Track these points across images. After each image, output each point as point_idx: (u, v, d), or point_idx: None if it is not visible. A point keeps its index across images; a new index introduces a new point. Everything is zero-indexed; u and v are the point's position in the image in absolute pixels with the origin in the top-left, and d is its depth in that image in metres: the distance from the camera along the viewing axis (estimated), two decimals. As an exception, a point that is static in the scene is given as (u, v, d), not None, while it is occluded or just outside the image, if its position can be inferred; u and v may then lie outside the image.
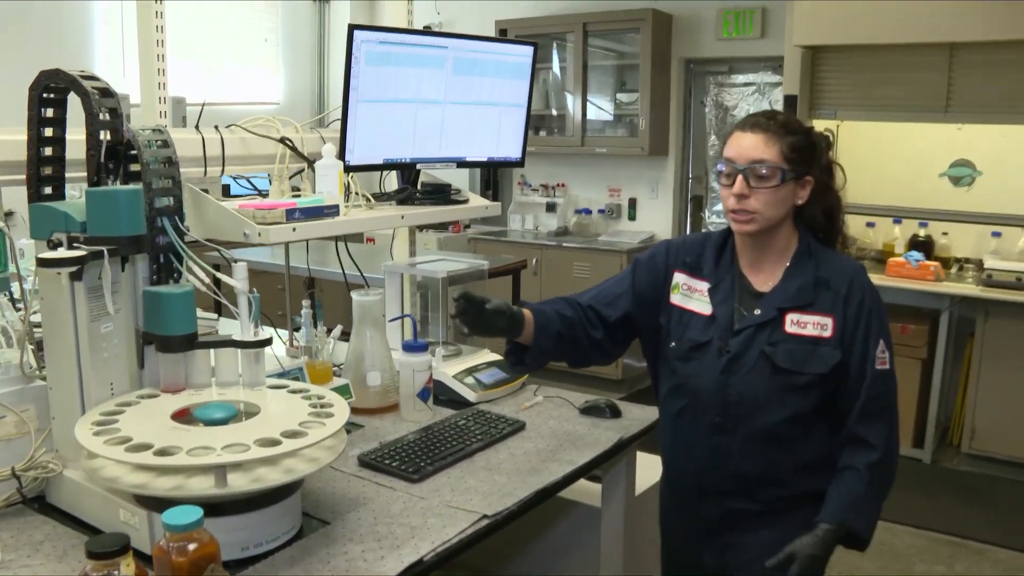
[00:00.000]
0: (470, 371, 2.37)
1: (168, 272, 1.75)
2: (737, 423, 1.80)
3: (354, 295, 2.19)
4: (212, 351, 1.76)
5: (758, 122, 1.79)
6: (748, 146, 1.77)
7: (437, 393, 2.29)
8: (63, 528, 1.63)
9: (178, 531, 1.26)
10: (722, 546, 1.90)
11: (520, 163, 2.70)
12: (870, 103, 4.93)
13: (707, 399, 1.82)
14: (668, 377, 1.92)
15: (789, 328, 1.78)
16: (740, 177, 1.76)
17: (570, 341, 1.94)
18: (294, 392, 1.75)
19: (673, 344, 1.89)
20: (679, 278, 1.92)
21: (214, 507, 1.47)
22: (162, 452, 1.44)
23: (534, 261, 5.73)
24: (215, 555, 1.29)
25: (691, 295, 1.89)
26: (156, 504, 1.47)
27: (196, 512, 1.29)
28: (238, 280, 1.72)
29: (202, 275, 1.74)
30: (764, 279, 1.84)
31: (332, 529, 1.64)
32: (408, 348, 2.15)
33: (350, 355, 2.22)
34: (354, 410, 2.04)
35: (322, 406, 1.65)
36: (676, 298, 1.91)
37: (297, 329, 2.28)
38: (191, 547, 1.27)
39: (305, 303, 2.24)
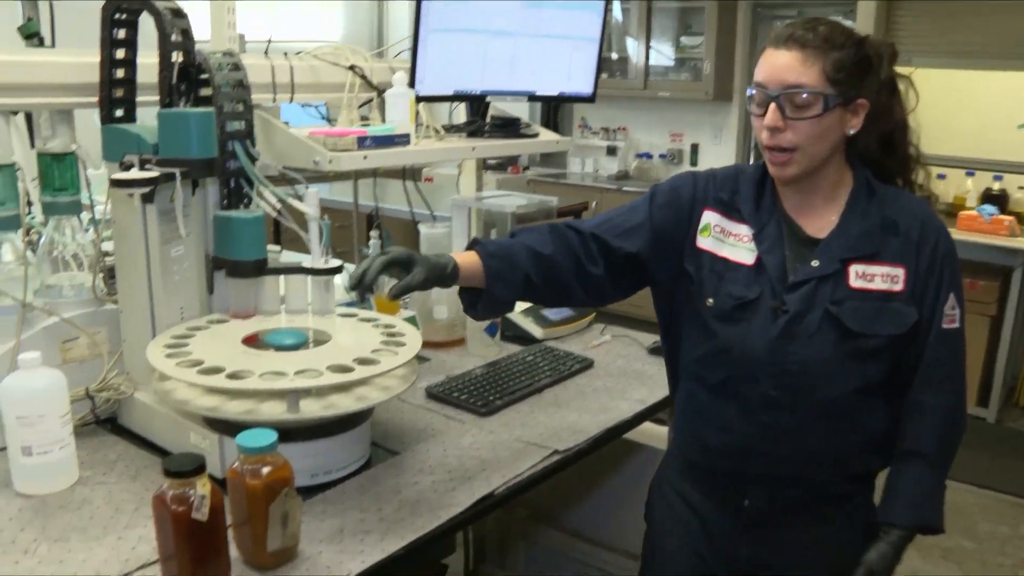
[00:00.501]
0: (537, 307, 2.32)
1: (238, 197, 1.71)
2: (795, 397, 1.46)
3: (422, 228, 2.14)
4: (281, 278, 1.73)
5: (795, 35, 1.41)
6: (782, 66, 1.41)
7: (503, 329, 2.25)
8: (135, 449, 1.62)
9: (253, 454, 1.24)
10: (761, 541, 1.56)
11: (591, 99, 2.61)
12: (948, 49, 4.74)
13: (759, 368, 1.47)
14: (700, 340, 1.55)
15: (854, 282, 1.45)
16: (773, 106, 1.41)
17: (546, 284, 1.54)
18: (364, 321, 1.72)
19: (711, 301, 1.51)
20: (710, 218, 1.55)
21: (284, 433, 1.44)
22: (234, 376, 1.41)
23: (594, 204, 5.64)
24: (289, 479, 1.26)
25: (724, 240, 1.52)
26: (226, 428, 1.45)
27: (270, 435, 1.26)
28: (309, 206, 1.67)
29: (273, 200, 1.71)
30: (816, 223, 1.50)
31: (401, 460, 1.61)
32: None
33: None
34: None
35: (392, 335, 1.61)
36: (705, 242, 1.54)
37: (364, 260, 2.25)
38: (265, 470, 1.24)
39: (373, 233, 2.19)
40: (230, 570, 1.24)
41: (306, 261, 1.70)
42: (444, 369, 2.02)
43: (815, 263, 1.46)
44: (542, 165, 6.40)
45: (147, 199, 1.56)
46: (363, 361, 1.47)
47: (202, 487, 1.16)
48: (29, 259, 1.66)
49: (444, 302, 2.15)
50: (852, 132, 1.45)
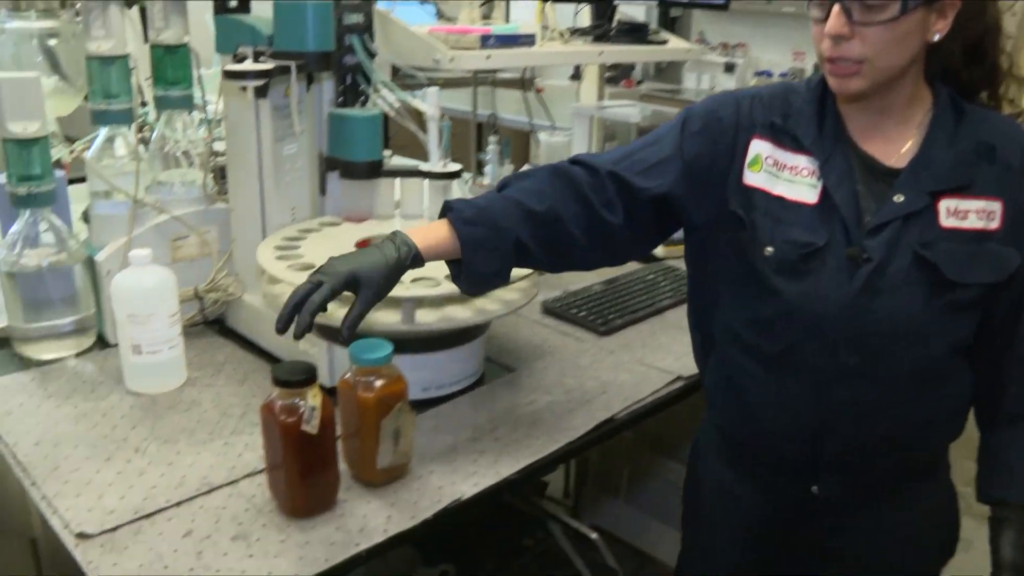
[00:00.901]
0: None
1: (355, 95, 1.61)
2: (879, 364, 1.18)
3: (542, 136, 2.01)
4: (397, 181, 1.63)
5: None
6: None
7: (622, 245, 2.10)
8: (242, 352, 1.56)
9: (366, 365, 1.15)
10: (831, 531, 1.30)
11: (724, 6, 2.42)
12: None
13: (834, 331, 1.17)
14: (752, 300, 1.24)
15: (945, 221, 1.16)
16: (837, 8, 1.10)
17: (546, 246, 1.23)
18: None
19: (770, 250, 1.20)
20: (760, 148, 1.24)
21: (397, 343, 1.36)
22: (347, 281, 1.33)
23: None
24: (403, 394, 1.18)
25: (779, 174, 1.22)
26: (336, 336, 1.37)
27: (386, 346, 1.17)
28: (429, 105, 1.56)
29: (391, 99, 1.60)
30: (890, 151, 1.20)
31: (517, 377, 1.51)
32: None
33: (534, 199, 2.05)
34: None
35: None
36: (756, 177, 1.23)
37: (482, 167, 2.13)
38: (378, 383, 1.16)
39: (492, 139, 2.07)
40: (339, 483, 1.17)
41: (423, 165, 1.60)
42: (561, 284, 1.91)
43: (899, 198, 1.16)
44: (656, 79, 6.14)
45: (260, 93, 1.47)
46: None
47: (312, 398, 1.09)
48: (141, 155, 1.59)
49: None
50: (936, 38, 1.14)
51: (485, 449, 1.29)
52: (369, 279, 1.12)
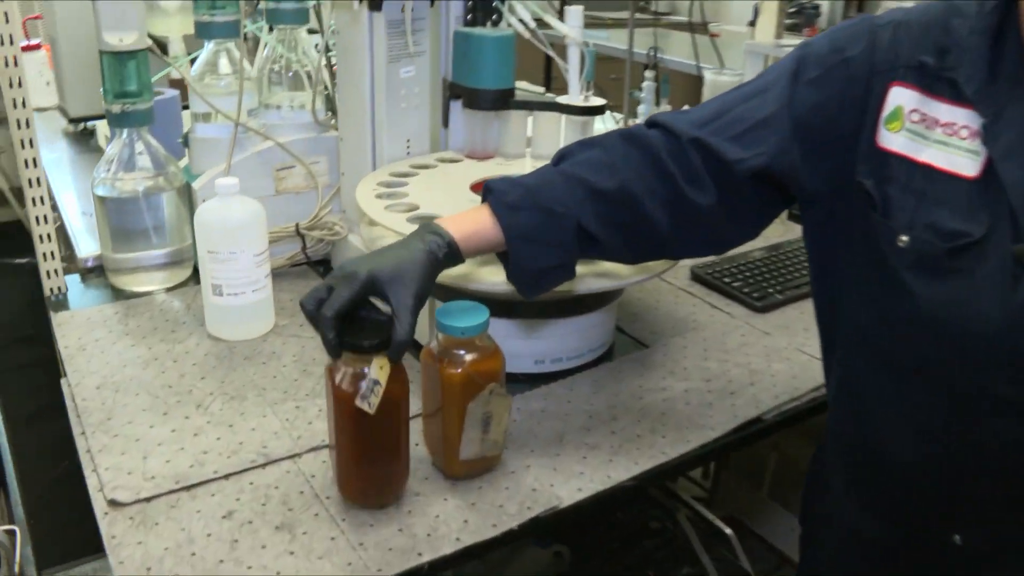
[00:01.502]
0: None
1: (486, 12, 1.36)
2: None
3: (707, 74, 1.71)
4: (530, 116, 1.38)
5: None
6: None
7: (792, 206, 1.79)
8: (342, 301, 1.36)
9: (454, 335, 0.92)
10: None
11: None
12: None
13: (986, 353, 0.85)
14: (881, 297, 0.92)
15: None
16: None
17: (617, 234, 0.97)
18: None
19: (905, 239, 0.87)
20: (902, 98, 0.88)
21: (507, 306, 1.12)
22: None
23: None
24: (498, 372, 0.94)
25: (927, 135, 0.87)
26: (443, 294, 1.15)
27: (480, 313, 0.93)
28: (571, 26, 1.30)
29: (527, 17, 1.34)
30: None
31: (650, 355, 1.25)
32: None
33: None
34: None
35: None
36: (894, 139, 0.88)
37: (637, 106, 1.84)
38: (468, 358, 0.92)
39: (648, 74, 1.78)
40: (406, 476, 0.95)
41: (561, 97, 1.34)
42: (714, 247, 1.62)
43: None
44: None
45: (374, 6, 1.25)
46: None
47: (379, 370, 0.86)
48: (248, 73, 1.40)
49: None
50: None
51: (598, 444, 1.04)
52: (395, 278, 0.88)
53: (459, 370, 0.92)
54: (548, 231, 0.94)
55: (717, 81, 1.69)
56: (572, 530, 1.85)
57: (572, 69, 1.31)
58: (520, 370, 1.16)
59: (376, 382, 0.86)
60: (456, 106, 1.37)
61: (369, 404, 0.85)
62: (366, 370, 0.87)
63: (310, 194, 1.43)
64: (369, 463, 0.91)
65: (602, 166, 0.96)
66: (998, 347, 0.83)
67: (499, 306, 1.10)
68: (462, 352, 0.92)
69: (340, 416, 0.89)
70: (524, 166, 1.34)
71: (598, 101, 1.31)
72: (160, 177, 1.36)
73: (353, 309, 0.87)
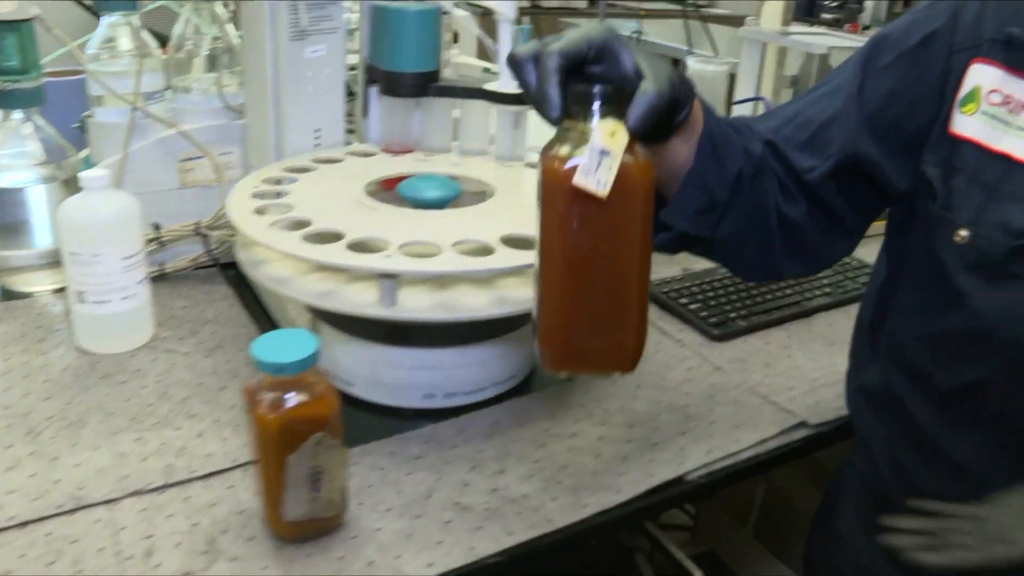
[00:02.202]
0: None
1: (413, -15, 1.18)
2: None
3: (691, 61, 1.49)
4: (458, 104, 1.19)
5: None
6: None
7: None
8: (238, 310, 1.19)
9: (269, 371, 0.74)
10: None
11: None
12: None
13: None
14: (932, 306, 0.82)
15: None
16: None
17: (749, 207, 0.83)
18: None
19: (964, 234, 0.76)
20: (982, 76, 0.76)
21: (391, 330, 0.94)
22: (322, 237, 0.92)
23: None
24: (327, 419, 0.76)
25: (1010, 120, 0.74)
26: (328, 316, 0.97)
27: (306, 344, 0.75)
28: (501, 1, 1.11)
29: (454, -8, 1.16)
30: None
31: (569, 391, 1.05)
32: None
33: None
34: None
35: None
36: (969, 123, 0.77)
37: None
38: (290, 400, 0.75)
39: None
40: (645, 327, 0.68)
41: (490, 84, 1.15)
42: (679, 259, 1.41)
43: None
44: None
45: (274, -27, 1.08)
46: (523, 240, 0.91)
47: (608, 137, 0.61)
48: (149, 50, 1.24)
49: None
50: None
51: (472, 504, 0.85)
52: (615, 44, 0.66)
53: (276, 416, 0.74)
54: (727, 159, 0.79)
55: (701, 71, 1.47)
56: None
57: (503, 51, 1.12)
58: (407, 404, 0.98)
59: (605, 152, 0.59)
60: (374, 92, 1.19)
61: (599, 182, 0.58)
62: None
63: (221, 188, 1.27)
64: (588, 293, 0.63)
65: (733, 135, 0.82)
66: None
67: (382, 330, 0.93)
68: (282, 394, 0.74)
69: (549, 214, 0.63)
70: (448, 160, 1.16)
71: (532, 90, 1.12)
72: (50, 166, 1.21)
73: (578, 66, 0.65)
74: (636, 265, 0.63)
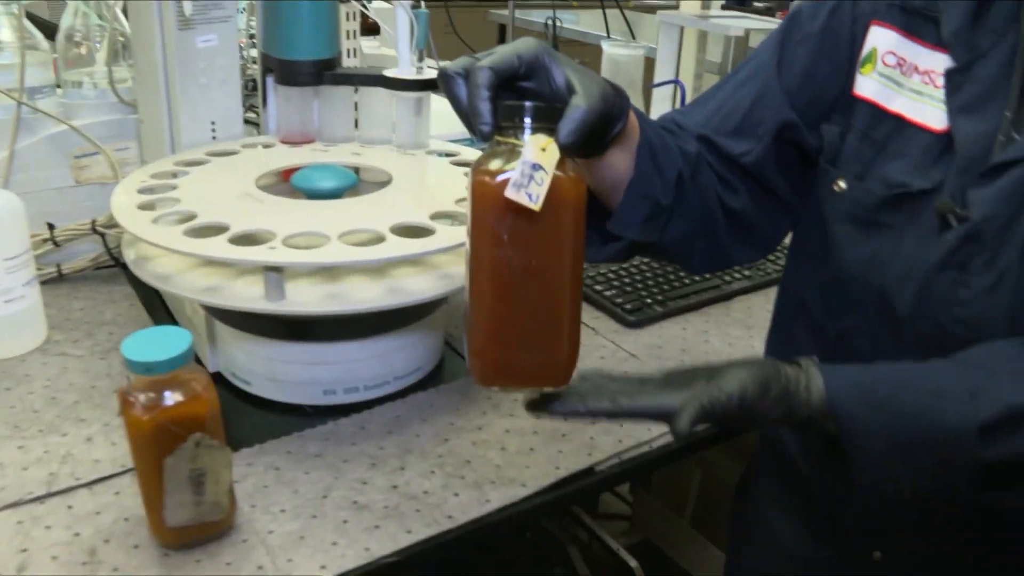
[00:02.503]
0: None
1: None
2: None
3: (605, 45, 1.47)
4: (357, 93, 1.15)
5: None
6: None
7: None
8: (139, 311, 1.14)
9: (139, 371, 0.70)
10: None
11: None
12: None
13: (903, 320, 0.76)
14: (812, 261, 0.86)
15: None
16: None
17: (693, 204, 0.82)
18: (466, 164, 1.12)
19: (842, 185, 0.80)
20: (879, 39, 0.79)
21: (289, 324, 0.90)
22: (209, 230, 0.87)
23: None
24: (202, 419, 0.72)
25: (903, 81, 0.77)
26: (222, 313, 0.93)
27: (179, 340, 0.71)
28: (398, -13, 1.07)
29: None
30: None
31: (476, 386, 1.02)
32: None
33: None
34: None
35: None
36: (867, 84, 0.80)
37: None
38: (165, 400, 0.70)
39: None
40: (577, 344, 0.66)
41: (389, 70, 1.11)
42: (599, 248, 1.39)
43: None
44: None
45: (160, -42, 1.03)
46: (421, 229, 0.88)
47: (539, 152, 0.59)
48: (36, 42, 1.18)
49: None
50: None
51: (370, 503, 0.81)
52: (546, 59, 0.65)
53: (151, 417, 0.70)
54: (665, 161, 0.78)
55: (615, 55, 1.45)
56: None
57: (401, 36, 1.08)
58: (307, 401, 0.94)
59: (537, 166, 0.58)
60: (271, 82, 1.15)
61: (531, 196, 0.57)
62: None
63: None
64: (519, 308, 0.62)
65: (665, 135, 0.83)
66: (915, 315, 0.74)
67: (276, 326, 0.89)
68: (155, 394, 0.70)
69: (479, 229, 0.61)
70: (347, 152, 1.12)
71: (431, 73, 1.09)
72: (-69, 165, 1.15)
73: (509, 81, 0.64)
74: (568, 280, 0.62)
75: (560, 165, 0.59)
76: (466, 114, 0.64)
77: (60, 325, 1.10)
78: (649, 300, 1.19)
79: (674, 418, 0.62)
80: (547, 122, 0.61)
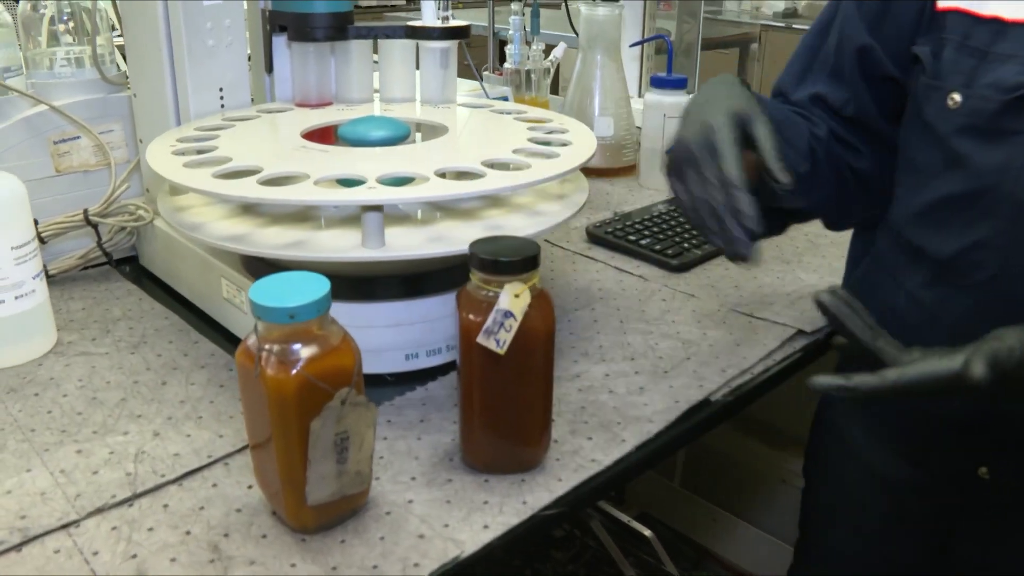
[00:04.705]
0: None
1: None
2: None
3: (582, 6, 1.42)
4: (377, 54, 1.06)
5: None
6: None
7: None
8: (150, 303, 1.01)
9: (278, 320, 0.59)
10: (996, 536, 0.88)
11: None
12: None
13: None
14: (928, 180, 0.80)
15: None
16: None
17: (831, 171, 0.87)
18: (501, 113, 1.04)
19: (957, 98, 0.75)
20: None
21: (361, 284, 0.80)
22: (275, 181, 0.77)
23: (753, 47, 4.70)
24: (349, 372, 0.62)
25: None
26: (262, 269, 0.82)
27: (316, 285, 0.61)
28: (415, -70, 0.99)
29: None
30: None
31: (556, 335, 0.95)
32: (659, 83, 1.37)
33: (572, 93, 1.46)
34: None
35: (549, 132, 0.93)
36: None
37: (505, 46, 1.53)
38: (304, 353, 0.60)
39: (515, 7, 1.48)
40: (547, 439, 0.73)
41: (413, 20, 1.02)
42: (609, 204, 1.33)
43: None
44: None
45: (156, -92, 0.91)
46: (499, 164, 0.80)
47: (512, 299, 0.64)
48: (4, 21, 1.03)
49: (610, 112, 1.43)
50: None
51: (504, 458, 0.73)
52: (752, 109, 0.74)
53: (291, 373, 0.59)
54: (793, 135, 0.83)
55: (592, 16, 1.40)
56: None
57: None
58: (385, 370, 0.84)
59: (508, 314, 0.63)
60: (280, 43, 1.04)
61: (498, 342, 0.63)
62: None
63: (103, 172, 1.07)
64: (494, 426, 0.69)
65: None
66: None
67: (348, 285, 0.78)
68: (294, 346, 0.60)
69: (466, 354, 0.67)
70: (370, 111, 1.02)
71: (459, 22, 1.01)
72: None
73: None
74: (539, 395, 0.70)
75: (533, 304, 0.65)
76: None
77: (66, 326, 0.95)
78: (686, 245, 1.14)
79: (967, 370, 0.62)
80: (521, 272, 0.64)
